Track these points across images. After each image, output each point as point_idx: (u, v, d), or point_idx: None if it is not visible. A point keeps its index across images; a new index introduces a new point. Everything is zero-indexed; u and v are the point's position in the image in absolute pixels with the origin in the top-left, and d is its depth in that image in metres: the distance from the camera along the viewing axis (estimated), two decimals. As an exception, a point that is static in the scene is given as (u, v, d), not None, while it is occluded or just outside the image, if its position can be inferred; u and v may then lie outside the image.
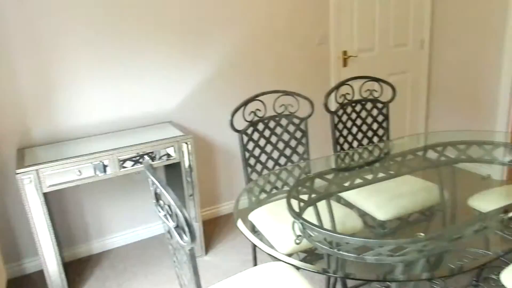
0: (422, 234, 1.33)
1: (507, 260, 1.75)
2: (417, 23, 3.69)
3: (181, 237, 1.14)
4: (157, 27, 2.65)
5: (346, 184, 2.03)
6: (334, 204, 2.02)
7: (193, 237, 1.08)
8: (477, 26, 3.37)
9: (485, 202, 1.95)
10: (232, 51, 2.94)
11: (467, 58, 3.51)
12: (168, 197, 1.10)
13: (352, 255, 1.37)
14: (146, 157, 2.35)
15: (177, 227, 1.15)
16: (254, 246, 2.29)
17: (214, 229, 2.97)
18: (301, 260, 1.68)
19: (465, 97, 3.59)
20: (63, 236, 2.67)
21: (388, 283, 2.07)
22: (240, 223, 1.71)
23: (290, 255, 1.72)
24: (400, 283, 1.66)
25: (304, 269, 1.46)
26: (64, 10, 2.37)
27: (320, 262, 1.69)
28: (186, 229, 1.08)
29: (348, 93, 2.44)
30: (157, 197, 1.23)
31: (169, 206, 1.15)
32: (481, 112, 3.48)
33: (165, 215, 1.22)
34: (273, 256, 1.57)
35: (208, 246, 2.76)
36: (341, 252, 1.40)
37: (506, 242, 1.41)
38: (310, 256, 1.83)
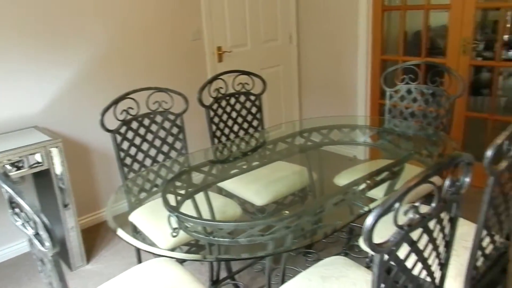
0: (287, 212, 1.45)
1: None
2: (284, 19, 3.93)
3: (43, 244, 1.08)
4: (8, 27, 2.42)
5: (223, 175, 2.11)
6: (214, 195, 2.08)
7: (54, 242, 1.03)
8: (335, 23, 3.73)
9: (346, 179, 2.18)
10: (101, 49, 2.82)
11: (330, 51, 3.85)
12: (22, 203, 1.03)
13: (226, 239, 1.44)
14: (8, 166, 2.14)
15: (37, 234, 1.09)
16: (138, 248, 2.24)
17: (97, 236, 2.83)
18: (184, 253, 1.71)
19: (331, 86, 3.95)
20: None
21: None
22: (115, 227, 1.66)
23: (173, 250, 1.73)
24: (276, 260, 1.79)
25: (189, 260, 1.49)
26: None
27: (204, 253, 1.73)
28: (46, 234, 1.03)
29: (221, 87, 2.52)
30: (12, 205, 1.15)
31: (26, 213, 1.08)
32: (345, 99, 3.86)
33: (22, 223, 1.14)
34: (156, 254, 1.57)
35: (90, 254, 2.62)
36: (216, 238, 1.46)
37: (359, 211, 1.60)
38: (195, 247, 1.86)
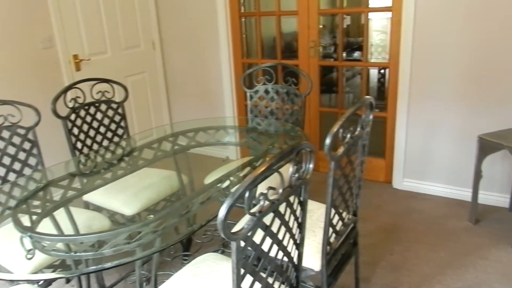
0: (151, 216, 1.45)
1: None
2: (145, 26, 3.88)
3: None
4: None
5: (87, 188, 2.00)
6: (78, 210, 1.96)
7: None
8: (197, 29, 3.80)
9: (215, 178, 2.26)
10: None
11: (194, 56, 3.92)
12: None
13: (90, 253, 1.38)
14: None
15: None
16: (-8, 279, 2.00)
17: None
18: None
19: (199, 90, 4.02)
20: None
21: (146, 273, 2.17)
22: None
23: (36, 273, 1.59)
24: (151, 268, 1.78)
25: (51, 278, 1.39)
26: None
27: (71, 271, 1.62)
28: None
29: (78, 97, 2.39)
30: None
31: None
32: (213, 101, 3.97)
33: None
34: (9, 280, 1.43)
35: None
36: (78, 253, 1.39)
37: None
38: (61, 268, 1.74)
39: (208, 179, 2.29)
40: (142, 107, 3.95)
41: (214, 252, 2.19)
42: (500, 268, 2.30)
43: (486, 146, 2.53)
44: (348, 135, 1.58)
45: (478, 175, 2.64)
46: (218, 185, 1.77)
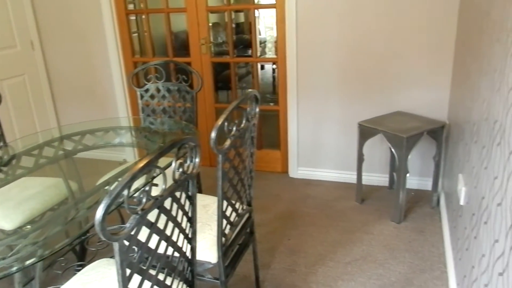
0: (28, 226, 1.35)
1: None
2: (21, 24, 3.55)
3: None
4: None
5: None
6: None
7: None
8: (81, 27, 3.59)
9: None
10: None
11: (80, 56, 3.70)
12: None
13: (-45, 275, 1.24)
14: None
15: None
16: None
17: None
18: None
19: (89, 91, 3.80)
20: None
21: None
22: None
23: None
24: (43, 284, 1.65)
25: None
26: None
27: None
28: None
29: None
30: None
31: None
32: (104, 102, 3.79)
33: None
34: None
35: None
36: None
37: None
38: None
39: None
40: (23, 112, 3.62)
41: (110, 258, 2.10)
42: (382, 240, 2.55)
43: (365, 131, 2.78)
44: (234, 128, 1.62)
45: (360, 159, 2.89)
46: (106, 187, 1.70)
